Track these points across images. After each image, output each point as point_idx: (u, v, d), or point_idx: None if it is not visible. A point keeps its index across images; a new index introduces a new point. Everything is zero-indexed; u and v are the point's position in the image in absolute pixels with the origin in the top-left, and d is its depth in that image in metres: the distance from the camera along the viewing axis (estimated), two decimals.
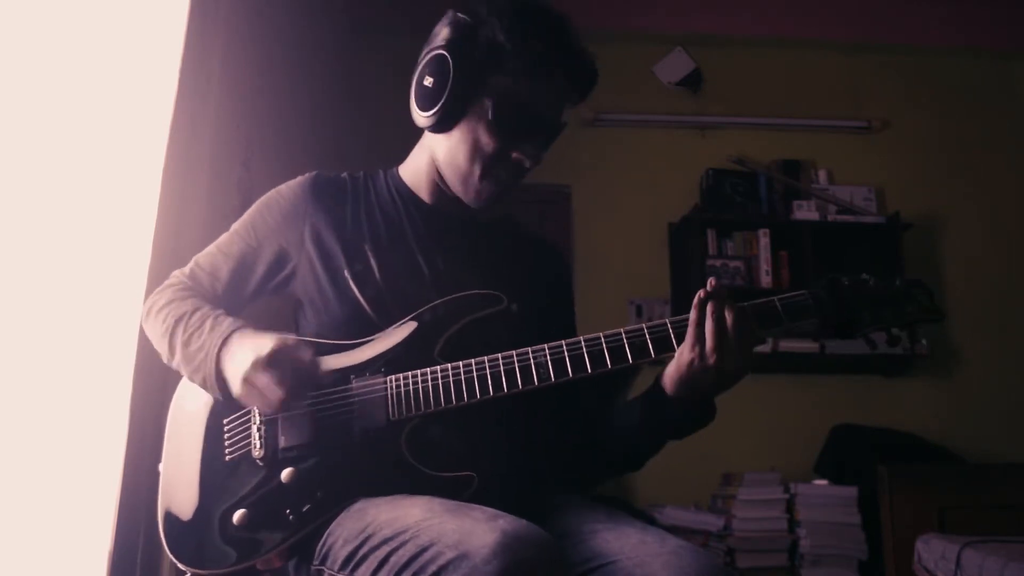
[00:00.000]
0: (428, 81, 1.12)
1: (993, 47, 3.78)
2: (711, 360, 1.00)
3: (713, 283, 1.03)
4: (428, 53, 1.14)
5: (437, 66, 1.12)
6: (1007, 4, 3.64)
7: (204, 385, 1.10)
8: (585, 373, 1.03)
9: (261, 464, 1.07)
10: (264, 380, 1.01)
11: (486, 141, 1.13)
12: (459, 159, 1.15)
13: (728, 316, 1.00)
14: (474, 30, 1.12)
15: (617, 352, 1.03)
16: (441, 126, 1.14)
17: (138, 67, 1.61)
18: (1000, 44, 3.77)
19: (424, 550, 0.82)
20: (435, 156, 1.20)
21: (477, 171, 1.15)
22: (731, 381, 1.03)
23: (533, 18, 1.13)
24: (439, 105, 1.11)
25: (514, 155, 1.13)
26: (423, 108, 1.13)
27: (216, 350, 1.07)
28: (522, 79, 1.11)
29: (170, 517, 1.09)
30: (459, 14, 1.14)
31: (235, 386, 1.05)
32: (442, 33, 1.13)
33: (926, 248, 3.55)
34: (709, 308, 1.01)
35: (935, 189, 3.64)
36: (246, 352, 1.03)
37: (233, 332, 1.09)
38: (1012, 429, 3.32)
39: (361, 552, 0.90)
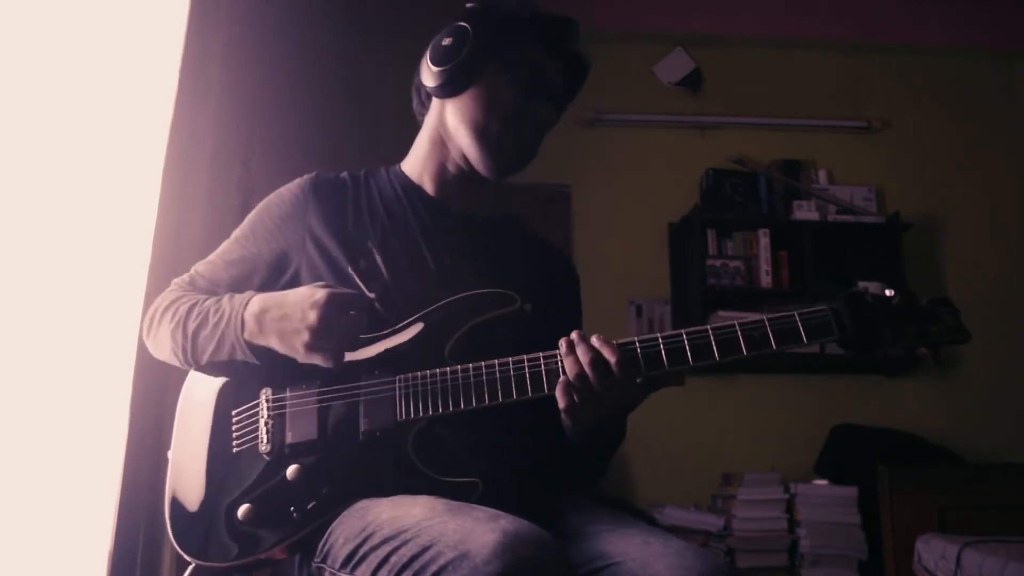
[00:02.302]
0: (447, 41, 1.17)
1: (993, 47, 3.78)
2: (581, 408, 1.01)
3: (575, 337, 1.01)
4: (446, 28, 1.19)
5: (456, 31, 1.17)
6: (1007, 4, 3.64)
7: (233, 353, 1.10)
8: None
9: (267, 459, 1.07)
10: (343, 317, 1.04)
11: (506, 93, 1.16)
12: (476, 115, 1.16)
13: (591, 369, 0.99)
14: (491, 8, 1.19)
15: (631, 363, 1.02)
16: (455, 85, 1.16)
17: (138, 68, 1.61)
18: (1000, 44, 3.76)
19: (425, 550, 0.82)
20: (443, 128, 1.21)
21: (495, 124, 1.16)
22: (620, 412, 1.04)
23: (542, 7, 1.21)
24: (458, 60, 1.14)
25: (533, 108, 1.17)
26: (439, 63, 1.15)
27: (239, 314, 1.08)
28: (535, 48, 1.18)
29: (176, 506, 1.09)
30: (469, 3, 1.21)
31: (298, 346, 1.04)
32: (458, 14, 1.20)
33: (926, 248, 3.55)
34: (568, 363, 1.00)
35: (935, 189, 3.63)
36: (295, 309, 1.04)
37: (253, 297, 1.10)
38: (1012, 429, 3.32)
39: (362, 551, 0.90)
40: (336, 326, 1.03)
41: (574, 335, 1.02)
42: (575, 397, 1.01)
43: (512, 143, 1.17)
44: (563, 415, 1.03)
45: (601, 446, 1.14)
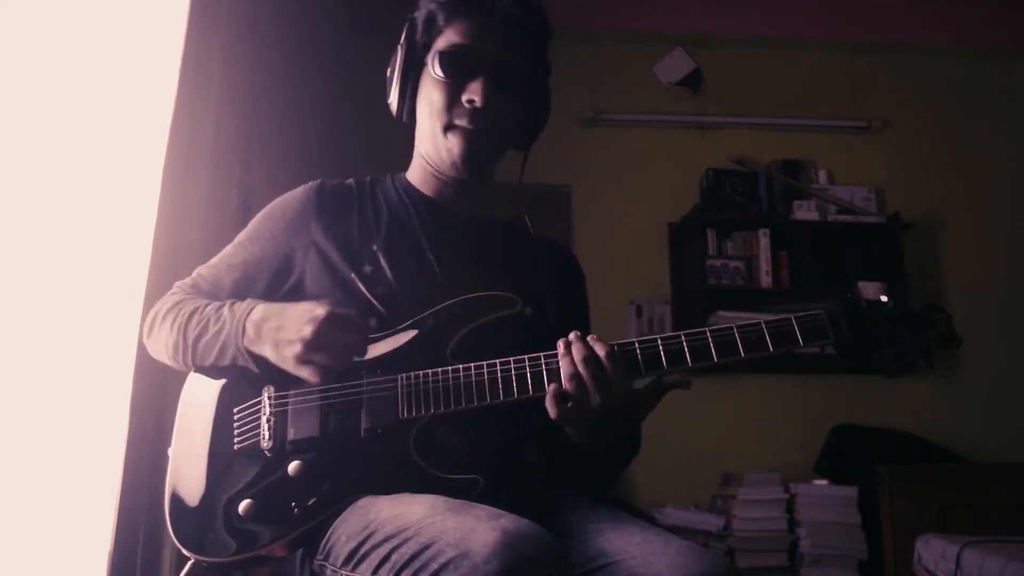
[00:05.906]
0: (388, 71, 1.23)
1: (993, 47, 3.78)
2: (576, 410, 1.01)
3: (572, 337, 1.02)
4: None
5: (393, 58, 1.23)
6: (1007, 4, 3.65)
7: (235, 359, 1.11)
8: None
9: (269, 455, 1.07)
10: (337, 336, 1.03)
11: (435, 96, 1.17)
12: (426, 128, 1.21)
13: (584, 365, 1.00)
14: (416, 18, 1.21)
15: (631, 363, 1.03)
16: (405, 111, 1.22)
17: (138, 67, 1.61)
18: (1000, 44, 3.77)
19: (425, 548, 0.82)
20: (418, 146, 1.25)
21: (439, 127, 1.18)
22: (622, 414, 1.04)
23: None
24: (392, 87, 1.22)
25: (464, 97, 1.15)
26: (389, 96, 1.23)
27: (242, 322, 1.08)
28: (454, 24, 1.17)
29: (176, 502, 1.09)
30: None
31: (289, 357, 1.04)
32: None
33: (926, 248, 3.56)
34: (565, 363, 1.01)
35: (935, 189, 3.64)
36: (292, 321, 1.04)
37: (255, 305, 1.10)
38: (1012, 429, 3.33)
39: (363, 549, 0.90)
40: (329, 343, 1.03)
41: (572, 335, 1.03)
42: (568, 402, 1.01)
43: (457, 142, 1.16)
44: (562, 423, 1.03)
45: (613, 453, 1.14)
